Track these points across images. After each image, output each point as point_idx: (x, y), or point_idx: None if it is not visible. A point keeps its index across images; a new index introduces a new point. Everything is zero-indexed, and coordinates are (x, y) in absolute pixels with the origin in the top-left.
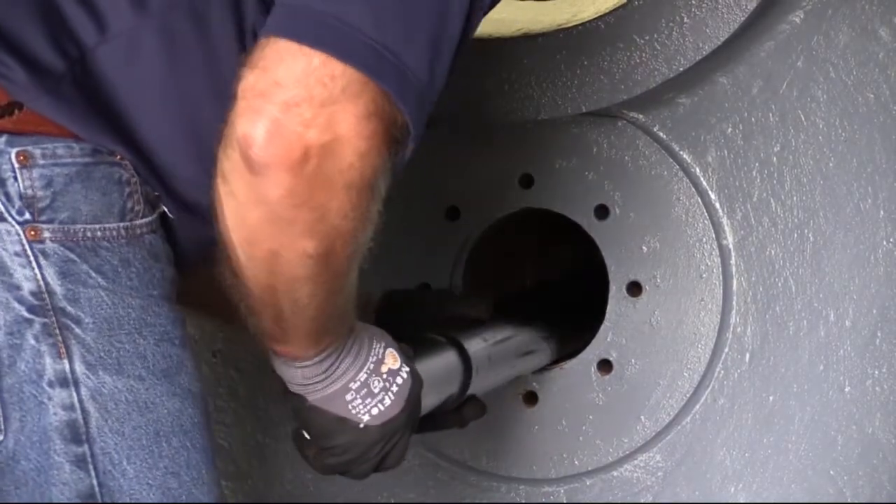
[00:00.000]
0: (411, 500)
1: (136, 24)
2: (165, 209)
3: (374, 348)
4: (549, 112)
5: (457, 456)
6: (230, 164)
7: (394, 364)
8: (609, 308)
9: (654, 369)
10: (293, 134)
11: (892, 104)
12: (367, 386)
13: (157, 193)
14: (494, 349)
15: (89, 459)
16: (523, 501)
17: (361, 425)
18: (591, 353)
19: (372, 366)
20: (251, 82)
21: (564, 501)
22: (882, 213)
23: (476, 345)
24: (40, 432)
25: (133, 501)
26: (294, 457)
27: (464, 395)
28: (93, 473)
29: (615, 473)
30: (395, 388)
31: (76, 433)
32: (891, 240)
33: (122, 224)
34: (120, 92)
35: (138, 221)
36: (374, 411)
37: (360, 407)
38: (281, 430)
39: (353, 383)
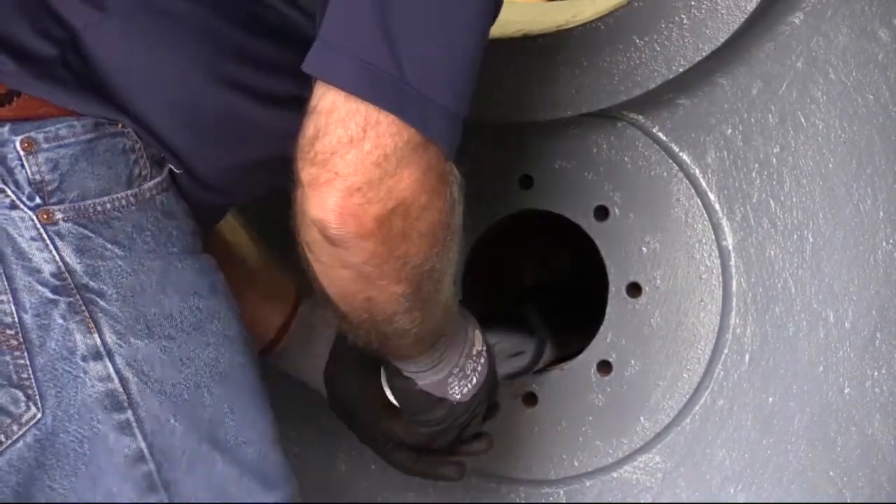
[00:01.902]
0: (410, 500)
1: (123, 3)
2: (172, 167)
3: (468, 332)
4: (549, 113)
5: None
6: (311, 238)
7: (479, 345)
8: (608, 309)
9: (653, 370)
10: (360, 211)
11: (891, 105)
12: (464, 369)
13: (163, 155)
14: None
15: (134, 424)
16: (523, 502)
17: (455, 403)
18: (591, 354)
19: (467, 350)
20: (313, 175)
21: (564, 502)
22: (882, 214)
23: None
24: (79, 405)
25: (185, 455)
26: (292, 458)
27: (534, 366)
28: (139, 436)
29: (615, 474)
30: (479, 368)
31: (117, 401)
32: (890, 241)
33: (129, 192)
34: (112, 68)
35: (147, 185)
36: (465, 390)
37: (456, 387)
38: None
39: (455, 368)
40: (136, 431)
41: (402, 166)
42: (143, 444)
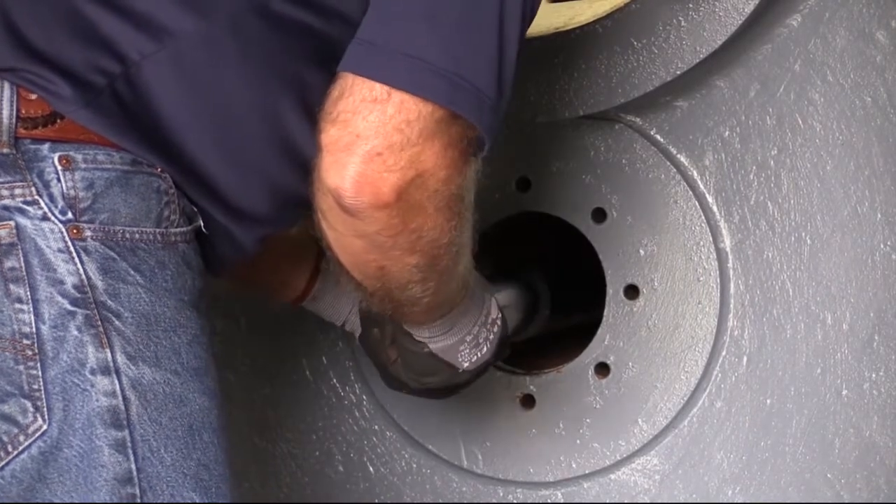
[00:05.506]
0: (408, 502)
1: (182, 37)
2: (201, 224)
3: (486, 299)
4: (547, 115)
5: (454, 459)
6: (326, 205)
7: (494, 312)
8: (606, 311)
9: (651, 372)
10: (379, 180)
11: (889, 107)
12: (477, 337)
13: (195, 209)
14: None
15: (129, 444)
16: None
17: (461, 370)
18: (589, 356)
19: (483, 318)
20: (334, 137)
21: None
22: (879, 216)
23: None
24: (83, 419)
25: (170, 488)
26: (290, 459)
27: (527, 324)
28: (132, 458)
29: (612, 477)
30: (492, 337)
31: (117, 418)
32: (888, 243)
33: (157, 230)
34: (161, 104)
35: (173, 230)
36: (474, 358)
37: (466, 355)
38: (277, 433)
39: (468, 336)
40: (130, 452)
41: (426, 137)
42: (133, 467)
